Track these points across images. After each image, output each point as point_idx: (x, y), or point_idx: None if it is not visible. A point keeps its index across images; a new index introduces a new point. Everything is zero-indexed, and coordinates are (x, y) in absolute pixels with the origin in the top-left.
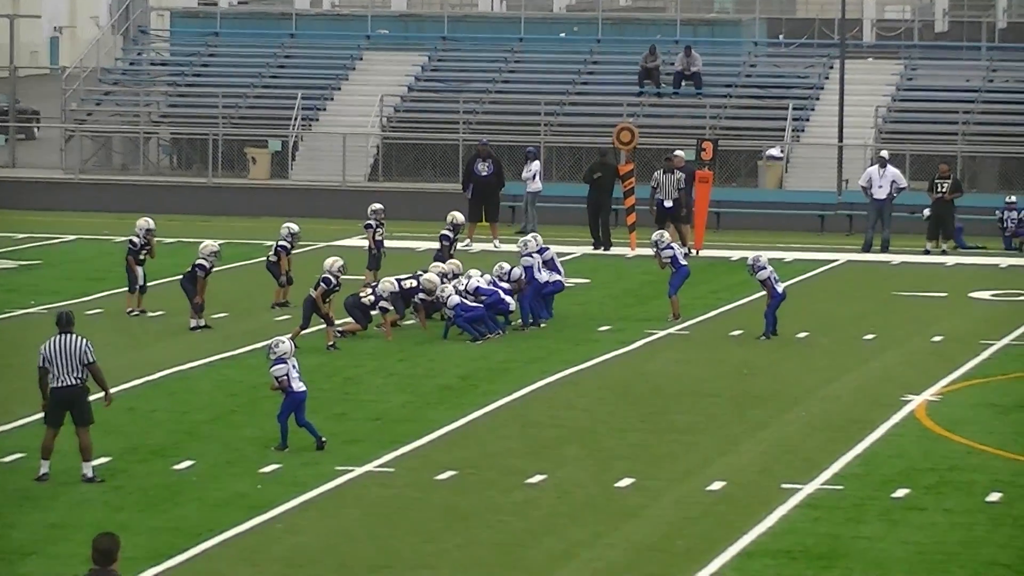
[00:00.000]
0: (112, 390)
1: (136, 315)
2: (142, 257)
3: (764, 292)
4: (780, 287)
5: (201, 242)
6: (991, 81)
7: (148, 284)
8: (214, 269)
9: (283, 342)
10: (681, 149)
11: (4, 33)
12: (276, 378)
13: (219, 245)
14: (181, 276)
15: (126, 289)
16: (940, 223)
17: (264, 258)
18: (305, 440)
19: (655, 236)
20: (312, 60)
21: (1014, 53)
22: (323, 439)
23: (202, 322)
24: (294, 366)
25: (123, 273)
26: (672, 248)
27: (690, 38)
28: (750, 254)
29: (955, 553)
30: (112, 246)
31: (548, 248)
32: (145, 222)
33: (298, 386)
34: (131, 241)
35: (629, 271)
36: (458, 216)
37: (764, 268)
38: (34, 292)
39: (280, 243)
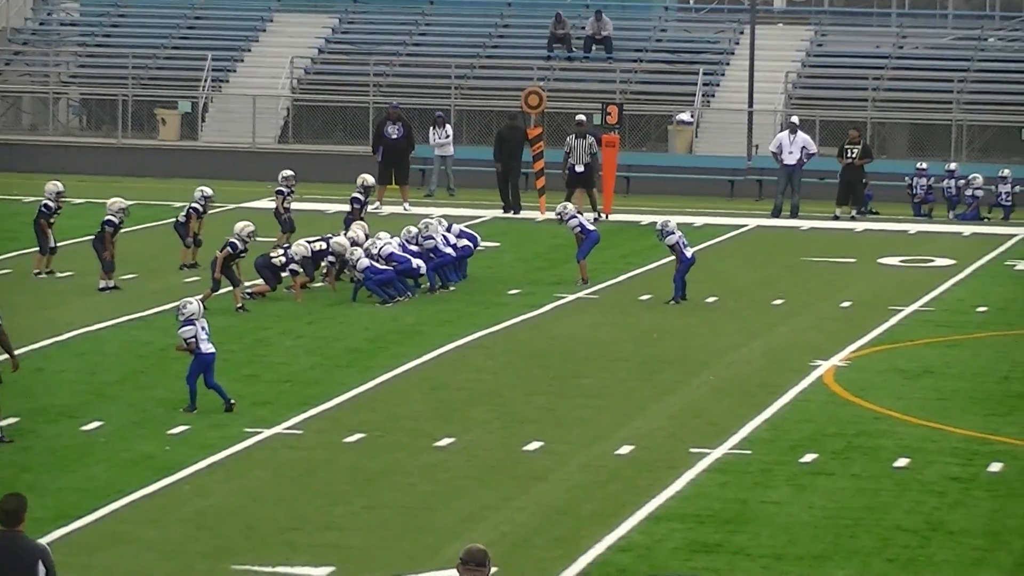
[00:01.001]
0: (21, 350)
1: (43, 277)
2: (52, 220)
3: (673, 257)
4: (689, 252)
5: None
6: (901, 48)
7: (57, 244)
8: (123, 228)
9: (191, 303)
10: (583, 113)
11: None
12: (184, 339)
13: (128, 204)
14: (92, 237)
15: (36, 250)
16: (850, 189)
17: (174, 219)
18: (214, 402)
19: (559, 208)
20: (222, 21)
21: (924, 20)
22: (232, 401)
23: (111, 283)
24: (203, 327)
25: (33, 233)
26: (577, 217)
27: (600, 2)
28: (659, 219)
29: (861, 518)
30: (22, 206)
31: (451, 225)
32: (54, 185)
33: (207, 347)
34: (45, 205)
35: (538, 235)
36: (368, 179)
37: (673, 233)
38: None
39: (192, 205)
